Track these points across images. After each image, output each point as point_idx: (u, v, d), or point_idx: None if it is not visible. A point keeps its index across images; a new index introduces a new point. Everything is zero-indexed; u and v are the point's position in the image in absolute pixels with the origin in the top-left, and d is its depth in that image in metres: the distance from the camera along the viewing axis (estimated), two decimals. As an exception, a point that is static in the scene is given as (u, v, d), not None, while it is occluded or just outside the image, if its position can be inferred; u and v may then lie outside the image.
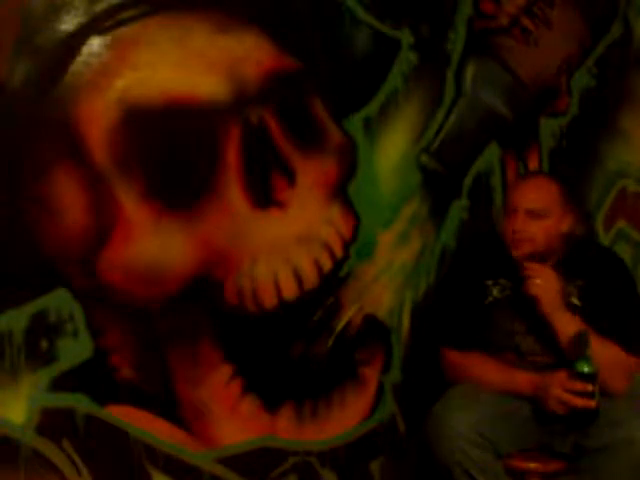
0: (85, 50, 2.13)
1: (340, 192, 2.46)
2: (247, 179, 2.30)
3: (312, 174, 2.40)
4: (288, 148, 2.35)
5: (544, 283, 2.28)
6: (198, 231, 2.26)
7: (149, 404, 2.28)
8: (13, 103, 2.09)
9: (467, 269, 2.47)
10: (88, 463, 2.22)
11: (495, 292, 2.39)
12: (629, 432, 2.12)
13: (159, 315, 2.25)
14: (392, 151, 2.54)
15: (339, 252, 2.46)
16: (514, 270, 2.34)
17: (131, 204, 2.18)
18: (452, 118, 2.63)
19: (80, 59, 2.12)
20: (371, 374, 2.57)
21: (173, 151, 2.24)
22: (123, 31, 2.16)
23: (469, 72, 2.65)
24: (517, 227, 2.32)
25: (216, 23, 2.27)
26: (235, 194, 2.29)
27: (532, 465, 2.26)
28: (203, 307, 2.31)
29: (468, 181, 2.69)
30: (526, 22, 2.74)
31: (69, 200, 2.13)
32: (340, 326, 2.51)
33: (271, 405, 2.43)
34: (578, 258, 2.40)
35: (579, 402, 2.16)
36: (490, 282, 2.40)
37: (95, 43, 2.14)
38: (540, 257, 2.33)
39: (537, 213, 2.32)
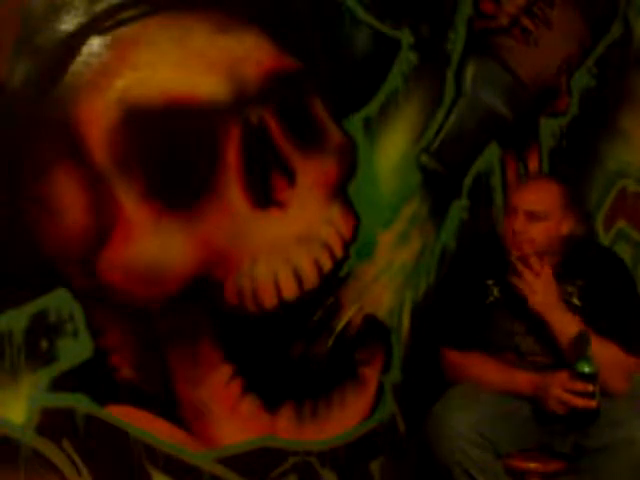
0: (85, 50, 2.13)
1: (340, 192, 2.46)
2: (247, 179, 2.30)
3: (312, 174, 2.40)
4: (288, 148, 2.35)
5: (536, 283, 2.28)
6: (198, 231, 2.26)
7: (149, 404, 2.28)
8: (13, 103, 2.09)
9: (467, 269, 2.47)
10: (88, 463, 2.22)
11: (496, 292, 2.39)
12: (629, 432, 2.12)
13: (159, 315, 2.25)
14: (392, 151, 2.54)
15: (339, 252, 2.46)
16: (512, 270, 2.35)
17: (131, 204, 2.18)
18: (452, 118, 2.63)
19: (80, 59, 2.12)
20: (371, 374, 2.57)
21: (173, 151, 2.24)
22: (123, 31, 2.16)
23: (469, 72, 2.65)
24: (517, 228, 2.32)
25: (216, 23, 2.27)
26: (235, 194, 2.29)
27: (532, 465, 2.26)
28: (203, 307, 2.31)
29: (468, 181, 2.69)
30: (526, 22, 2.74)
31: (69, 200, 2.13)
32: (340, 326, 2.51)
33: (271, 405, 2.43)
34: (578, 258, 2.40)
35: (580, 402, 2.16)
36: (491, 282, 2.40)
37: (95, 43, 2.14)
38: (540, 258, 2.33)
39: (537, 215, 2.32)
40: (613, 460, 2.14)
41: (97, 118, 2.14)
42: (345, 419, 2.54)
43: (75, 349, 2.18)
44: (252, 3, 2.34)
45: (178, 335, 2.29)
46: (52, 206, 2.12)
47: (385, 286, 2.57)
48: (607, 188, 2.95)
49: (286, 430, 2.46)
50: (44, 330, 2.14)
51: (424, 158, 2.60)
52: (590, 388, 2.15)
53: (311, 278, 2.41)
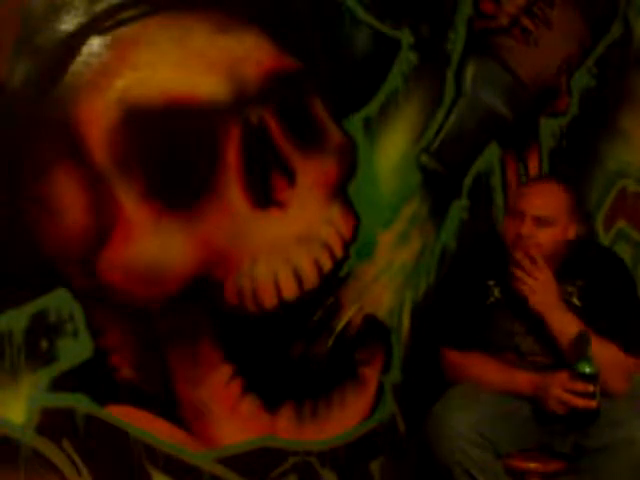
0: (85, 50, 2.13)
1: (340, 192, 2.46)
2: (247, 179, 2.30)
3: (312, 174, 2.40)
4: (288, 148, 2.35)
5: (536, 283, 2.28)
6: (198, 231, 2.26)
7: (149, 404, 2.28)
8: (13, 103, 2.09)
9: (467, 269, 2.47)
10: (88, 463, 2.22)
11: (496, 292, 2.39)
12: (629, 432, 2.12)
13: (159, 315, 2.25)
14: (392, 151, 2.54)
15: (339, 252, 2.46)
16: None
17: (131, 204, 2.18)
18: (452, 118, 2.63)
19: (80, 59, 2.12)
20: (371, 374, 2.57)
21: (173, 151, 2.24)
22: (123, 31, 2.16)
23: (469, 72, 2.65)
24: (525, 233, 2.30)
25: (216, 23, 2.27)
26: (235, 194, 2.29)
27: (532, 465, 2.26)
28: (203, 307, 2.31)
29: (468, 181, 2.69)
30: (526, 22, 2.74)
31: (69, 200, 2.13)
32: (340, 326, 2.51)
33: (271, 405, 2.43)
34: (578, 258, 2.40)
35: (580, 402, 2.16)
36: (492, 282, 2.40)
37: (95, 43, 2.13)
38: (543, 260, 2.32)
39: (545, 220, 2.30)
40: (613, 460, 2.14)
41: (97, 118, 2.13)
42: (345, 419, 2.54)
43: (75, 349, 2.18)
44: (252, 3, 2.34)
45: (178, 335, 2.29)
46: (52, 206, 2.12)
47: (385, 286, 2.57)
48: (607, 188, 2.95)
49: (286, 430, 2.46)
50: (44, 330, 2.14)
51: (424, 158, 2.60)
52: (590, 388, 2.15)
53: (311, 278, 2.41)
